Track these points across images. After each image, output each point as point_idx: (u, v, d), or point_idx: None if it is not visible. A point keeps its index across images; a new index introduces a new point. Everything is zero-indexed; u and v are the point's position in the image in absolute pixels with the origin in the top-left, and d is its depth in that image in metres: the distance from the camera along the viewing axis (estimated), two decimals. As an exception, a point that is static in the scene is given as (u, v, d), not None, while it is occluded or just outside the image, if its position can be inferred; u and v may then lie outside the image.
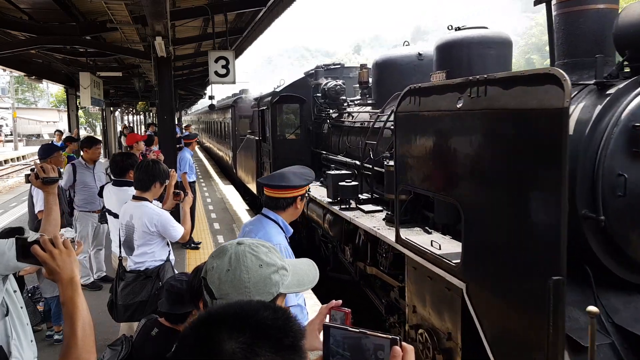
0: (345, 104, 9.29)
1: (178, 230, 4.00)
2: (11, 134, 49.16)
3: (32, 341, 2.33)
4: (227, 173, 20.92)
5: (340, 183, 6.74)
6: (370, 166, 6.73)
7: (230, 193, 15.44)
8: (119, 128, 29.37)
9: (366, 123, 7.70)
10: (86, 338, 1.65)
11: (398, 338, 1.06)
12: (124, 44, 10.63)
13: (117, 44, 10.60)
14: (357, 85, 9.15)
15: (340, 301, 1.58)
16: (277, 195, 2.82)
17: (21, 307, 2.30)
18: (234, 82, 8.88)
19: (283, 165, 10.89)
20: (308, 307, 2.99)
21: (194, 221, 9.68)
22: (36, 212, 5.76)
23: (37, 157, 9.00)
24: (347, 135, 8.58)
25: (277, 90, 10.77)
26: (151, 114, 31.34)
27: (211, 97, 12.53)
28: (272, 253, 1.50)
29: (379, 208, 6.42)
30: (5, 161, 34.39)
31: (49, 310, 5.44)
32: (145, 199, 4.02)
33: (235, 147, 17.28)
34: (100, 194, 5.31)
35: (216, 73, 8.57)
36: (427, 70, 6.93)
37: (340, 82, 9.52)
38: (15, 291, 2.28)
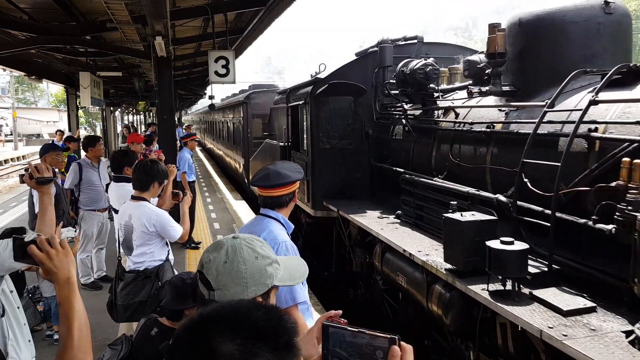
0: (437, 95, 6.20)
1: (177, 230, 4.00)
2: (11, 134, 49.16)
3: (30, 341, 2.32)
4: (237, 183, 17.75)
5: (492, 245, 3.49)
6: (540, 209, 3.80)
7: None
8: (119, 128, 29.36)
9: (495, 125, 4.78)
10: (82, 339, 1.64)
11: (397, 337, 1.06)
12: (124, 43, 10.63)
13: (117, 44, 10.60)
14: (448, 68, 6.56)
15: (340, 311, 1.60)
16: (278, 194, 2.82)
17: (18, 308, 2.29)
18: (234, 82, 8.88)
19: (329, 184, 7.71)
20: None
21: (194, 221, 9.67)
22: (36, 211, 5.75)
23: (37, 157, 8.96)
24: (450, 144, 5.51)
25: (321, 76, 7.76)
26: (151, 113, 31.34)
27: (211, 97, 12.55)
28: (266, 247, 1.55)
29: (589, 304, 3.23)
30: (5, 161, 34.39)
31: (49, 310, 5.44)
32: (144, 199, 4.02)
33: (248, 153, 14.37)
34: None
35: (216, 73, 8.57)
36: (618, 31, 4.44)
37: (430, 59, 6.33)
38: (11, 291, 2.27)
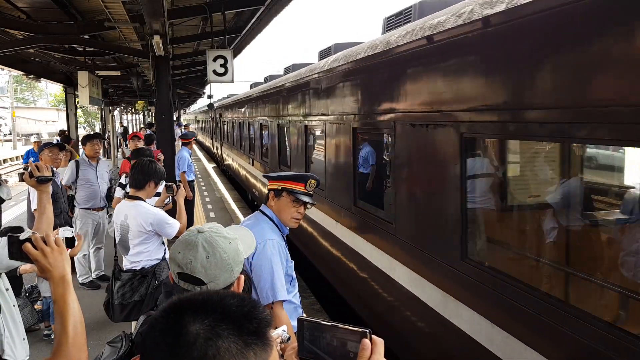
0: None
1: (174, 227, 4.00)
2: (10, 134, 49.14)
3: (24, 339, 2.33)
4: None
5: None
6: None
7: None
8: (118, 128, 29.30)
9: None
10: (77, 336, 1.65)
11: (368, 331, 1.09)
12: (122, 42, 10.61)
13: (115, 43, 10.59)
14: None
15: None
16: (268, 187, 3.01)
17: (14, 306, 2.30)
18: (232, 81, 8.88)
19: None
20: (305, 306, 3.02)
21: (193, 220, 9.68)
22: (32, 210, 5.79)
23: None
24: None
25: None
26: (150, 113, 31.28)
27: (210, 96, 12.56)
28: (228, 229, 1.76)
29: None
30: (4, 160, 34.36)
31: (47, 309, 5.43)
32: (140, 198, 4.02)
33: None
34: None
35: (215, 72, 8.57)
36: None
37: None
38: (7, 289, 2.28)
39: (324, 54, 7.73)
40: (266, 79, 12.41)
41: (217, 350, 0.90)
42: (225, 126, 18.77)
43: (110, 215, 5.57)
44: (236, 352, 0.91)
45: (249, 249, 1.88)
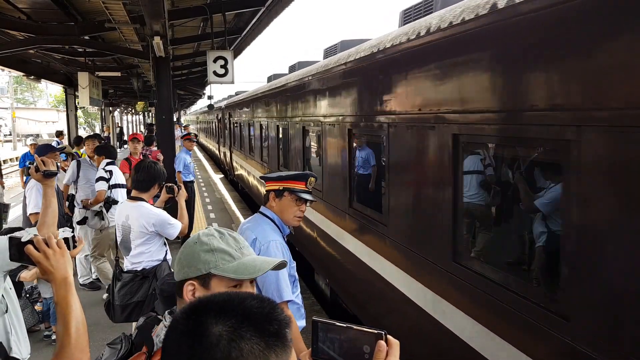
0: None
1: (176, 227, 4.01)
2: (10, 134, 49.19)
3: (26, 338, 2.36)
4: None
5: None
6: None
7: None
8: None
9: None
10: (79, 337, 1.66)
11: (383, 332, 1.08)
12: (123, 43, 10.63)
13: (115, 44, 10.61)
14: None
15: None
16: (266, 188, 3.01)
17: (17, 305, 2.32)
18: (232, 82, 8.89)
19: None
20: (305, 307, 3.02)
21: (193, 221, 9.68)
22: (28, 214, 5.71)
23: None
24: None
25: None
26: (150, 113, 31.32)
27: (210, 97, 12.56)
28: (225, 239, 1.55)
29: None
30: (4, 161, 34.37)
31: (47, 310, 5.43)
32: (142, 199, 4.02)
33: None
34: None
35: (215, 73, 8.59)
36: None
37: None
38: (10, 288, 2.29)
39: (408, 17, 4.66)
40: (292, 68, 9.60)
41: (241, 352, 0.90)
42: (237, 129, 15.07)
43: (95, 210, 5.63)
44: (259, 353, 0.91)
45: (235, 273, 1.50)
